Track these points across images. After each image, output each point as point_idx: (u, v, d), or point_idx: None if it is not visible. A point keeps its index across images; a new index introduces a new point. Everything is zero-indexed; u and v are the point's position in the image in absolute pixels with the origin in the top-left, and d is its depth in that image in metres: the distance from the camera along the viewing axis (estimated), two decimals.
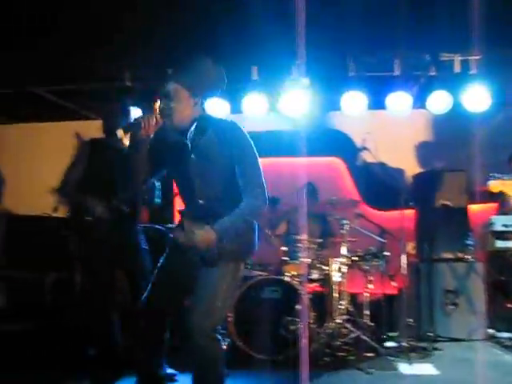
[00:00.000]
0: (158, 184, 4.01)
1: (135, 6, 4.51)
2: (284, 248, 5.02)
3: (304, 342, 4.44)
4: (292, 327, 4.48)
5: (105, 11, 4.56)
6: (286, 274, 4.81)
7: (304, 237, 4.92)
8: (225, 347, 4.35)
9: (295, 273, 4.82)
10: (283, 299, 4.56)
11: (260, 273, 4.86)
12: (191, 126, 2.81)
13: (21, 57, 5.12)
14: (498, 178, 3.94)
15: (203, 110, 2.89)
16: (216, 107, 5.70)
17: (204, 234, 2.68)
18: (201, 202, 2.80)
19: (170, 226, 5.01)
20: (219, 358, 2.85)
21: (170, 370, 3.96)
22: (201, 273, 2.80)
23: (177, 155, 2.82)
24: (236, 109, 6.01)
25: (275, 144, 6.13)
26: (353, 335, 4.75)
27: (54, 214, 4.24)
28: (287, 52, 5.43)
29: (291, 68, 5.70)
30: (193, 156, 2.78)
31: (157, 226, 5.03)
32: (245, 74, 5.72)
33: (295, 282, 4.64)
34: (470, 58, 5.79)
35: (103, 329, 3.90)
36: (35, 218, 5.31)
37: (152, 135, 2.79)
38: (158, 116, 2.75)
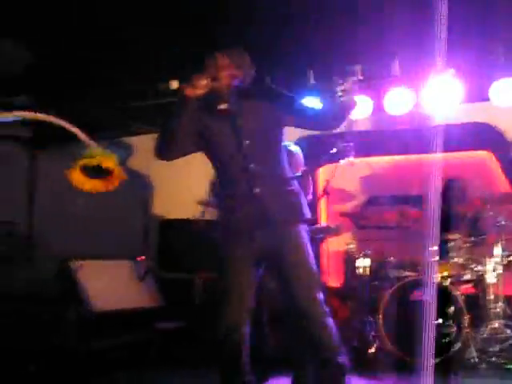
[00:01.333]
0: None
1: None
2: (435, 248, 4.82)
3: (458, 346, 4.26)
4: (444, 331, 4.29)
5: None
6: (438, 274, 4.62)
7: (456, 236, 4.71)
8: (373, 350, 4.36)
9: (446, 273, 4.62)
10: (434, 301, 4.38)
11: (410, 273, 4.72)
12: (231, 96, 2.85)
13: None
14: None
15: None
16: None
17: None
18: (252, 166, 2.77)
19: (316, 226, 5.01)
20: None
21: None
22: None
23: (224, 123, 2.83)
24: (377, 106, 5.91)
25: (419, 141, 5.93)
26: (511, 341, 4.46)
27: (205, 218, 4.43)
28: (429, 44, 5.23)
29: (433, 60, 5.47)
30: (239, 121, 2.81)
31: None
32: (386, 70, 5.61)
33: (447, 283, 4.45)
34: None
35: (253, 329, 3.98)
36: (186, 221, 5.57)
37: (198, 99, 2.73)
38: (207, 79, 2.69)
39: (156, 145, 2.83)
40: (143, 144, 6.19)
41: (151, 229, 5.85)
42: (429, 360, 4.11)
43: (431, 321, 4.27)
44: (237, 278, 2.81)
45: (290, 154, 3.91)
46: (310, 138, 5.30)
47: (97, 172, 2.66)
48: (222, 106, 2.85)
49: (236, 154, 2.79)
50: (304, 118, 2.90)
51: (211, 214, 4.21)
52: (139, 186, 6.01)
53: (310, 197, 4.07)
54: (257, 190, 2.75)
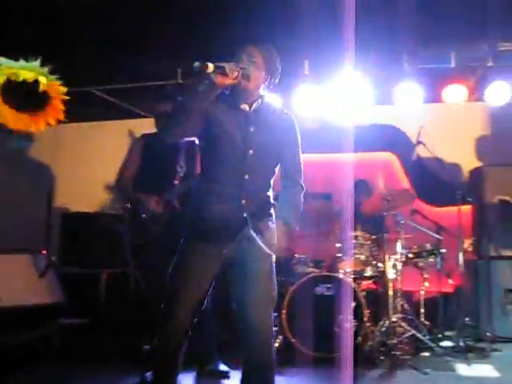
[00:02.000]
0: None
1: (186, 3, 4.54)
2: (338, 245, 4.95)
3: (359, 340, 4.39)
4: (346, 325, 4.42)
5: (155, 8, 4.61)
6: (340, 270, 4.75)
7: (358, 233, 4.86)
8: (277, 344, 4.41)
9: (349, 270, 4.76)
10: (337, 296, 4.50)
11: (314, 269, 4.82)
12: (256, 100, 2.81)
13: (76, 58, 5.21)
14: None
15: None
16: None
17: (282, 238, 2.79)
18: (246, 177, 2.75)
19: None
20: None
21: (223, 367, 3.98)
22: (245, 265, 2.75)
23: (237, 121, 2.78)
24: (286, 104, 5.98)
25: (326, 140, 6.07)
26: (408, 334, 4.66)
27: (110, 211, 4.32)
28: (338, 46, 5.36)
29: (342, 62, 5.63)
30: (252, 128, 2.77)
31: None
32: (296, 68, 5.69)
33: (349, 279, 4.58)
34: None
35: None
36: (91, 214, 5.42)
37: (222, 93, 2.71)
38: (239, 72, 2.65)
39: (168, 123, 2.80)
40: (46, 134, 5.97)
41: (54, 222, 5.63)
42: (332, 353, 4.24)
43: (333, 315, 4.42)
44: (196, 276, 2.76)
45: None
46: None
47: (24, 99, 2.20)
48: (243, 106, 2.79)
49: (236, 159, 2.75)
50: (284, 173, 2.92)
51: (118, 208, 4.11)
52: (41, 177, 5.76)
53: None
54: (243, 202, 2.73)
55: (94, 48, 5.10)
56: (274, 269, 2.82)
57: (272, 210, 2.87)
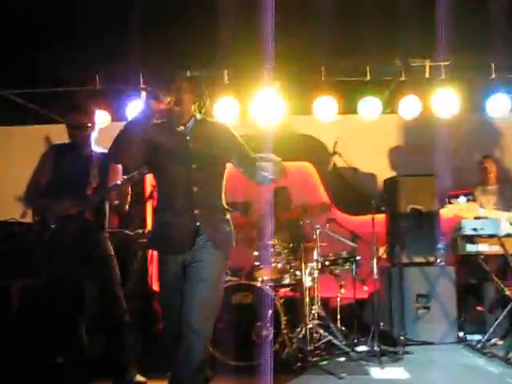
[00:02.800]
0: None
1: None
2: (256, 253, 4.99)
3: (276, 347, 4.43)
4: (264, 332, 4.45)
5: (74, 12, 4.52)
6: (258, 279, 4.78)
7: (276, 242, 4.91)
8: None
9: (267, 278, 4.80)
10: (255, 304, 4.52)
11: (232, 278, 4.82)
12: (189, 120, 3.14)
13: None
14: (453, 203, 3.92)
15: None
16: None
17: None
18: (195, 189, 3.02)
19: (139, 231, 4.95)
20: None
21: (139, 378, 3.92)
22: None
23: (177, 141, 3.08)
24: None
25: None
26: (325, 340, 4.75)
27: (22, 220, 4.16)
28: (257, 56, 5.44)
29: (262, 73, 5.71)
30: (190, 144, 3.08)
31: (126, 231, 4.96)
32: (216, 78, 5.72)
33: (267, 287, 4.62)
34: (439, 63, 5.87)
35: (70, 338, 3.83)
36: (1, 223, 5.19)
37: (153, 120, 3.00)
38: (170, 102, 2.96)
39: (111, 149, 2.98)
40: None
41: None
42: (251, 362, 4.26)
43: (252, 324, 4.44)
44: (167, 282, 3.11)
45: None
46: None
47: None
48: (179, 128, 3.10)
49: (182, 175, 3.04)
50: (239, 166, 3.15)
51: (31, 216, 3.97)
52: None
53: (127, 206, 4.02)
54: (196, 212, 3.01)
55: (10, 49, 4.94)
56: (224, 271, 3.21)
57: (227, 215, 3.17)
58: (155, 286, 6.25)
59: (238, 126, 5.95)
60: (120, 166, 3.91)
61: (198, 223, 3.03)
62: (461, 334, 5.50)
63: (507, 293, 4.90)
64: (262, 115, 5.68)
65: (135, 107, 5.60)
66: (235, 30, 4.79)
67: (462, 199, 3.90)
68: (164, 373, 3.04)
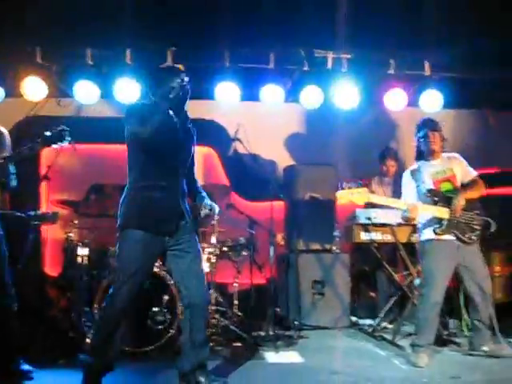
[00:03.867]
0: (12, 167, 3.72)
1: None
2: None
3: (172, 332, 4.37)
4: (159, 318, 4.38)
5: None
6: (155, 264, 4.68)
7: None
8: (88, 341, 4.24)
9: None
10: (151, 290, 4.43)
11: None
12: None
13: None
14: (346, 188, 4.02)
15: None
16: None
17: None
18: (181, 170, 3.40)
19: (32, 212, 4.68)
20: None
21: (26, 367, 3.74)
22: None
23: (174, 131, 3.35)
24: (108, 94, 5.85)
25: None
26: (221, 325, 4.76)
27: None
28: (161, 37, 5.34)
29: (166, 55, 5.62)
30: (180, 134, 3.40)
31: (17, 213, 4.68)
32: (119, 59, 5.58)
33: (163, 272, 4.54)
34: (342, 56, 6.01)
35: None
36: None
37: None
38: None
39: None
40: None
41: None
42: (146, 347, 4.17)
43: (148, 309, 4.35)
44: (140, 261, 3.28)
45: None
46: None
47: None
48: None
49: (174, 157, 3.35)
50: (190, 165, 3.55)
51: None
52: None
53: (14, 183, 3.79)
54: (179, 197, 3.37)
55: None
56: None
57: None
58: (48, 270, 6.03)
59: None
60: (7, 141, 3.70)
61: (181, 207, 3.40)
62: (354, 318, 5.71)
63: (397, 279, 5.13)
64: None
65: None
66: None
67: (354, 184, 3.98)
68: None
